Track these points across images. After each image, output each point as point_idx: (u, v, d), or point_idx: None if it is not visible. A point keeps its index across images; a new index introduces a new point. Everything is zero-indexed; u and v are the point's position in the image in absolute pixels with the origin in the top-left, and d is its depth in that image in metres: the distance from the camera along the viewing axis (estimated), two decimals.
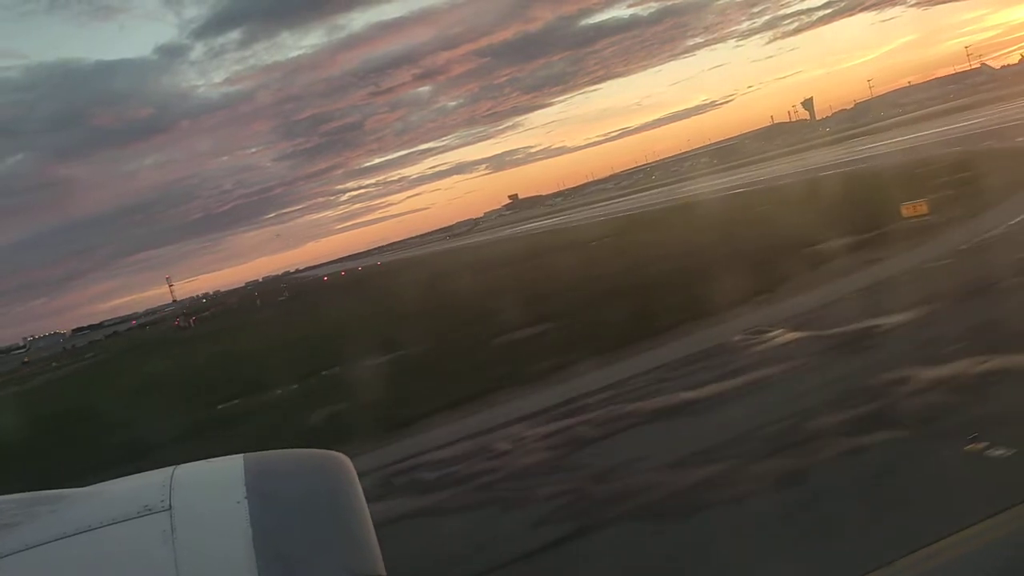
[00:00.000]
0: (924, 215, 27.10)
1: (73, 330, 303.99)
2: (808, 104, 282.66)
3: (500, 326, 27.84)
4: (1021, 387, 11.26)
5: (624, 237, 57.33)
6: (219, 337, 71.42)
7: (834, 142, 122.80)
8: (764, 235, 32.82)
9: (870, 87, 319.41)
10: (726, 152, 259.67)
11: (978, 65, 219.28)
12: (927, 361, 13.26)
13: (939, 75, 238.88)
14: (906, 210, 27.61)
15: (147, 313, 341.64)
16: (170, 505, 2.21)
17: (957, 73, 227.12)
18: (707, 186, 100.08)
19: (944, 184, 33.70)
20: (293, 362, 33.05)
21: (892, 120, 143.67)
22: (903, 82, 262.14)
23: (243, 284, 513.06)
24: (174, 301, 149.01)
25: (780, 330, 18.49)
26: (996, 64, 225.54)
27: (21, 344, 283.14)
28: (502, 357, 23.09)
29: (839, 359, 15.02)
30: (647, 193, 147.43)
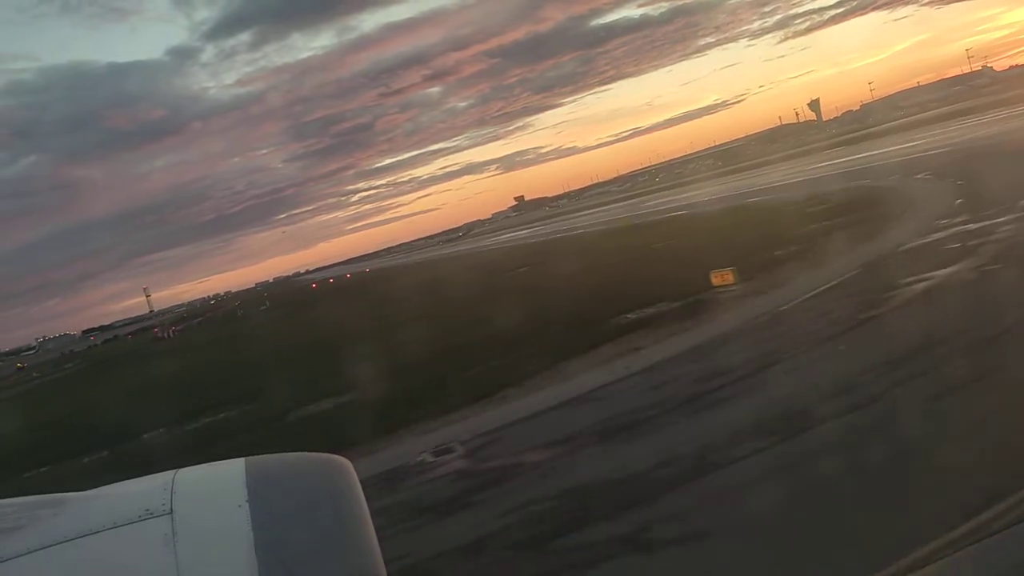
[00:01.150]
0: (729, 285, 24.75)
1: (83, 331, 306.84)
2: (815, 105, 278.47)
3: (312, 393, 26.05)
4: None
5: (520, 274, 56.55)
6: (165, 357, 70.73)
7: (808, 152, 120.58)
8: (597, 293, 31.15)
9: (871, 89, 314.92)
10: (721, 155, 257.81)
11: (980, 67, 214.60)
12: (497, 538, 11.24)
13: (949, 75, 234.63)
14: (715, 278, 25.28)
15: (156, 314, 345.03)
16: (171, 509, 2.12)
17: (962, 75, 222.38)
18: (650, 205, 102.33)
19: (796, 236, 31.61)
20: (159, 412, 30.91)
21: (882, 126, 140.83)
22: (913, 82, 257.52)
23: (253, 285, 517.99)
24: (151, 312, 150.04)
25: (456, 454, 16.44)
26: (1003, 64, 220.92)
27: (33, 345, 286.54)
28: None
29: (444, 516, 13.06)
30: (622, 204, 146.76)
